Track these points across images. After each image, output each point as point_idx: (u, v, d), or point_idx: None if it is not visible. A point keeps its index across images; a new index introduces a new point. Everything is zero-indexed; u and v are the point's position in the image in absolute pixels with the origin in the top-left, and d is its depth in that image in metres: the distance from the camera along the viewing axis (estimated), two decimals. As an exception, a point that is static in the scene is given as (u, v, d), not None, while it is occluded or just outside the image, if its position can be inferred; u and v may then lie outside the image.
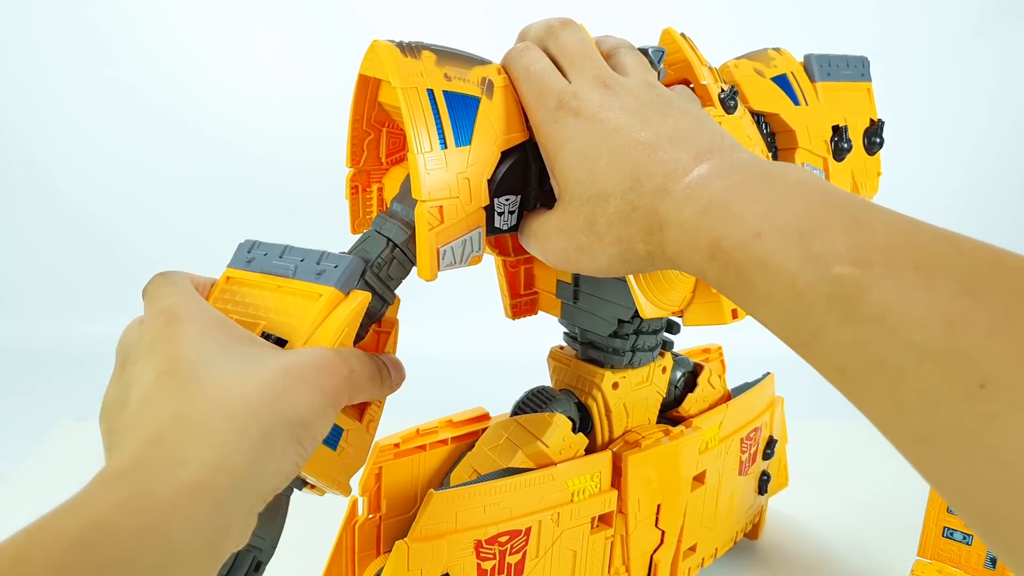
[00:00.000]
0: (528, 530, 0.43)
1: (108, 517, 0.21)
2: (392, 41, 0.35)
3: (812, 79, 0.52)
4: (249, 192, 1.27)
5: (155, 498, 0.23)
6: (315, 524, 0.46)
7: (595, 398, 0.47)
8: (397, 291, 0.38)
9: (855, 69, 0.53)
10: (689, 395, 0.51)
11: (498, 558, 0.43)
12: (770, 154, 0.48)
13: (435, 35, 0.39)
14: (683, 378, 0.52)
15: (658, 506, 0.48)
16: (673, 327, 0.49)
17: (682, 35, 0.46)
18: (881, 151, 0.54)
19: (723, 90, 0.43)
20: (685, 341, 0.63)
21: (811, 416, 0.78)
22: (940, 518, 0.44)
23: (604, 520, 0.47)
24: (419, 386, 0.81)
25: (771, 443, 0.58)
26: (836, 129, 0.49)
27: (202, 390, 0.26)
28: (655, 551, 0.50)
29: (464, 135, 0.34)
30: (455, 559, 0.41)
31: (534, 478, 0.43)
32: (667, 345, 0.50)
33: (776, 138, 0.51)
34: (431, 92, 0.34)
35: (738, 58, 0.51)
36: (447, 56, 0.36)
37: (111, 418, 0.27)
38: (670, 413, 0.52)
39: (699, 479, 0.51)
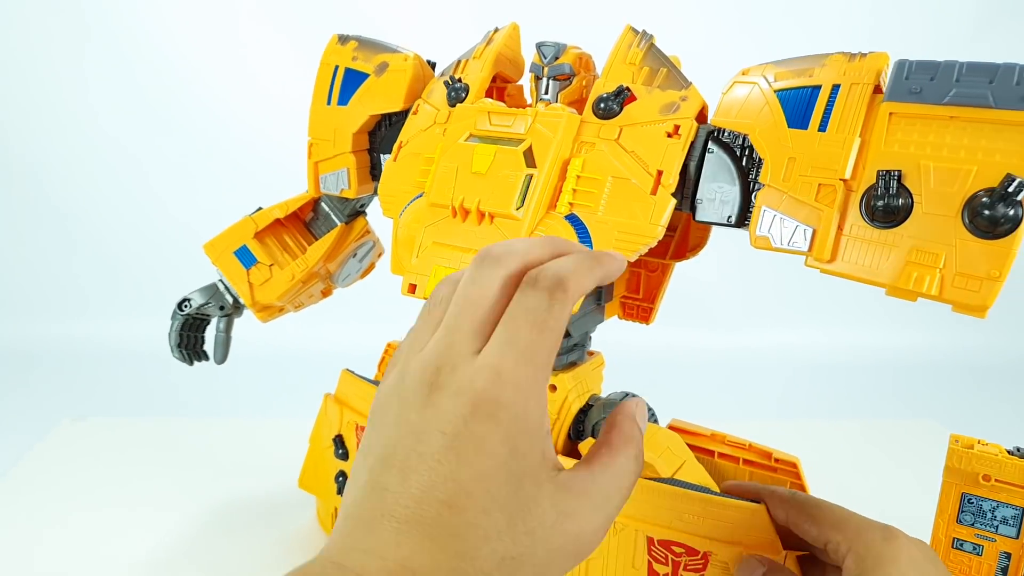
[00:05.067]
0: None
1: None
2: (341, 35, 0.51)
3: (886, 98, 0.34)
4: (249, 193, 1.16)
5: None
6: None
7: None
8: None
9: (1000, 88, 0.31)
10: (589, 439, 0.44)
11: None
12: (653, 175, 0.37)
13: (436, 34, 0.51)
14: (600, 420, 0.44)
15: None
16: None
17: (642, 32, 0.41)
18: (1018, 235, 0.30)
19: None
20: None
21: (817, 418, 0.89)
22: (949, 529, 0.42)
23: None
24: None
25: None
26: (884, 176, 0.32)
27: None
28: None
29: (345, 99, 0.49)
30: (347, 429, 0.55)
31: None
32: (566, 364, 0.45)
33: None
34: (337, 68, 0.50)
35: (781, 61, 0.38)
36: (367, 45, 0.50)
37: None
38: (579, 446, 0.45)
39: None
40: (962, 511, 0.42)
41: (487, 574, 0.23)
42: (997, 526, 0.42)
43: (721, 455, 0.45)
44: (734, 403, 1.01)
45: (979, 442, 0.43)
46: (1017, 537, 0.41)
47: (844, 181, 0.32)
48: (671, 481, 0.41)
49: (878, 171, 0.32)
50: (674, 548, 0.41)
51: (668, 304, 0.53)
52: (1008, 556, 0.42)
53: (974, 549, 0.43)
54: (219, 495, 0.67)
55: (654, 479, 0.41)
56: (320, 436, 0.59)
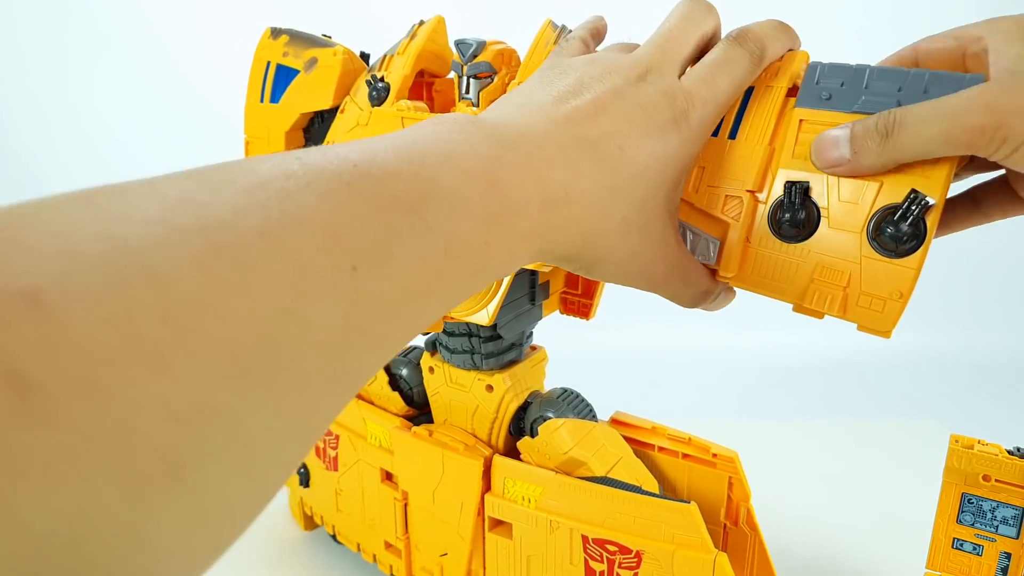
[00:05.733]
0: (337, 437, 0.52)
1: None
2: (273, 28, 0.49)
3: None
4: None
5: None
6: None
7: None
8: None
9: (908, 96, 0.29)
10: (526, 438, 0.44)
11: (324, 444, 0.54)
12: None
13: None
14: (538, 418, 0.44)
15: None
16: (485, 344, 0.44)
17: (561, 27, 0.40)
18: (919, 256, 0.28)
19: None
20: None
21: (816, 418, 0.88)
22: (949, 529, 0.43)
23: (390, 479, 0.49)
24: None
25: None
26: (790, 187, 0.31)
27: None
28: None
29: (276, 96, 0.48)
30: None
31: (340, 397, 0.51)
32: (505, 363, 0.44)
33: None
34: (269, 64, 0.48)
35: None
36: (297, 39, 0.48)
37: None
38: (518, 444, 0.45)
39: (501, 525, 0.44)
40: (962, 511, 0.43)
41: (608, 227, 0.27)
42: (997, 526, 0.42)
43: (661, 449, 0.45)
44: (733, 403, 1.00)
45: (979, 442, 0.43)
46: (1017, 537, 0.42)
47: (751, 192, 0.31)
48: (604, 480, 0.41)
49: (785, 182, 0.30)
50: (608, 546, 0.41)
51: (668, 302, 0.51)
52: (1008, 556, 0.42)
53: (974, 549, 0.43)
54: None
55: (587, 479, 0.41)
56: (283, 428, 0.60)
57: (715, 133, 0.32)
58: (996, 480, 0.41)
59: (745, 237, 0.31)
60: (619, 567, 0.41)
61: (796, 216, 0.30)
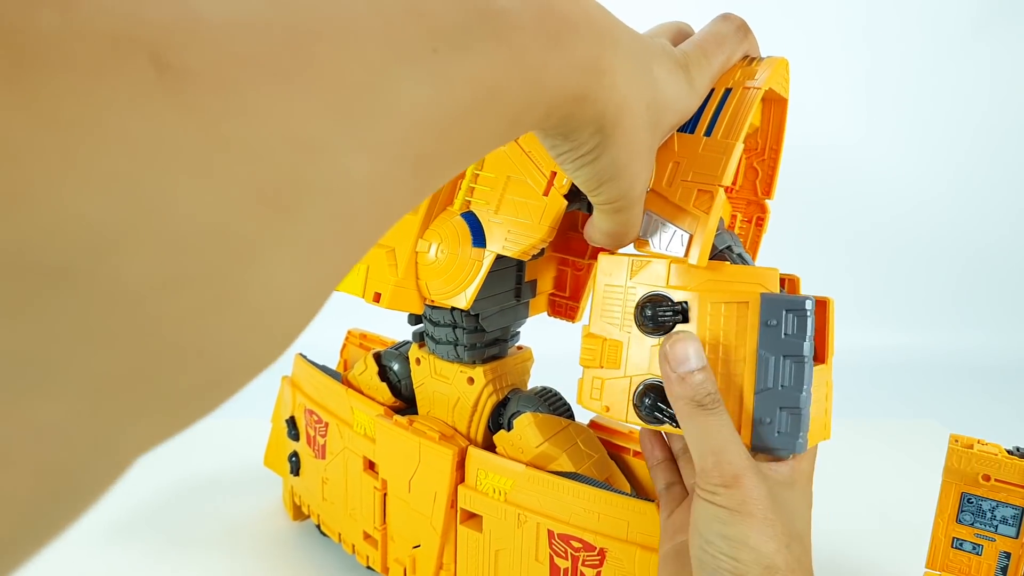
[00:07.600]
0: (326, 424, 0.54)
1: None
2: None
3: None
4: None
5: None
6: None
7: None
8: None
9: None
10: (501, 431, 0.45)
11: (314, 432, 0.55)
12: (546, 176, 0.38)
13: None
14: (515, 413, 0.45)
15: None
16: (468, 335, 0.45)
17: None
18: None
19: None
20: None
21: None
22: (949, 528, 0.43)
23: (372, 467, 0.50)
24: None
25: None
26: (684, 304, 0.35)
27: None
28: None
29: None
30: (298, 411, 0.57)
31: (331, 384, 0.53)
32: (487, 357, 0.45)
33: None
34: None
35: None
36: None
37: None
38: (494, 438, 0.46)
39: (472, 518, 0.45)
40: (962, 511, 0.43)
41: (635, 105, 0.27)
42: (997, 526, 0.42)
43: (636, 453, 0.45)
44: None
45: (979, 442, 0.43)
46: (1017, 537, 0.42)
47: (723, 187, 0.32)
48: (572, 475, 0.42)
49: (684, 301, 0.34)
50: (573, 543, 0.41)
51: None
52: (1008, 556, 0.43)
53: (974, 549, 0.43)
54: (189, 468, 0.70)
55: (556, 473, 0.42)
56: (279, 416, 0.61)
57: (692, 131, 0.34)
58: (996, 480, 0.41)
59: (714, 229, 0.32)
60: (583, 564, 0.41)
61: (660, 320, 0.34)
